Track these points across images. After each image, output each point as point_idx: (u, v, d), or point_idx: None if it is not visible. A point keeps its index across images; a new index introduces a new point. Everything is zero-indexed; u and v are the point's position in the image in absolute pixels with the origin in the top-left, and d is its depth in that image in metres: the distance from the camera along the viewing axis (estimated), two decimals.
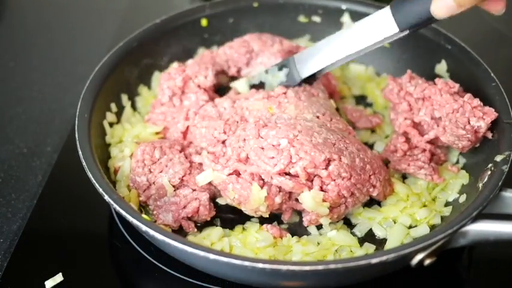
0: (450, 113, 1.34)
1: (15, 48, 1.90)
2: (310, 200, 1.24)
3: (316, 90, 1.46)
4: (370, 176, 1.30)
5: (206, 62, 1.51)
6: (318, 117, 1.36)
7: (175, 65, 1.50)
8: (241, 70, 1.55)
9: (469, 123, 1.32)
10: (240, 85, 1.50)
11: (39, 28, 1.98)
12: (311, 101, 1.40)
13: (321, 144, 1.26)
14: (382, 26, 1.30)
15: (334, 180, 1.25)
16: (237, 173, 1.28)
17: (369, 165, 1.31)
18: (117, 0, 2.11)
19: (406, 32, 1.29)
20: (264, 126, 1.30)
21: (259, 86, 1.48)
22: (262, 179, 1.27)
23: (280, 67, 1.45)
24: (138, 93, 1.57)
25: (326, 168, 1.25)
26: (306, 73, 1.43)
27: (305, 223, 1.30)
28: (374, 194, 1.32)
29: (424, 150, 1.39)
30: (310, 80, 1.45)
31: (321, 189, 1.25)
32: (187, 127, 1.42)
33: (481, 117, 1.31)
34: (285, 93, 1.42)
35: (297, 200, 1.29)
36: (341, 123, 1.38)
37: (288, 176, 1.25)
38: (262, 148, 1.26)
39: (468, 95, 1.35)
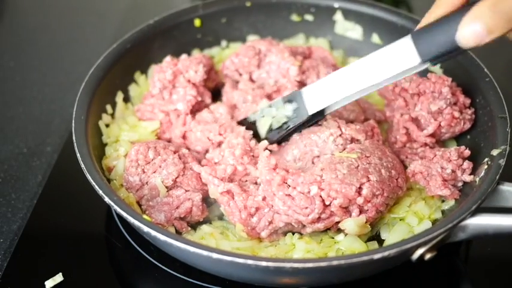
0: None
1: (15, 48, 1.82)
2: (354, 227, 1.16)
3: None
4: (397, 179, 1.22)
5: (198, 58, 1.43)
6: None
7: (168, 58, 1.43)
8: (253, 74, 1.46)
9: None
10: (261, 127, 1.32)
11: (39, 28, 1.90)
12: None
13: (347, 175, 1.16)
14: (402, 57, 1.11)
15: (370, 201, 1.16)
16: (231, 193, 1.20)
17: (394, 170, 1.23)
18: (117, 0, 2.03)
19: (427, 64, 1.11)
20: (289, 173, 1.16)
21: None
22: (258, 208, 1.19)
23: (287, 100, 1.28)
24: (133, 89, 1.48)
25: (360, 194, 1.16)
26: (314, 108, 1.24)
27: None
28: (401, 194, 1.24)
29: (424, 145, 1.31)
30: (317, 116, 1.27)
31: (360, 213, 1.17)
32: (185, 132, 1.34)
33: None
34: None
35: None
36: (358, 124, 1.30)
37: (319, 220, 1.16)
38: (292, 197, 1.15)
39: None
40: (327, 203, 1.14)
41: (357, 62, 1.18)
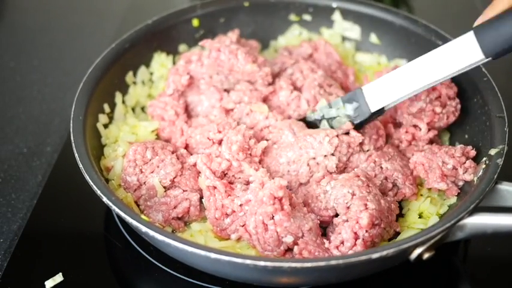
0: None
1: (15, 48, 1.80)
2: None
3: (334, 89, 1.37)
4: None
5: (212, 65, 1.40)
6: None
7: (182, 62, 1.41)
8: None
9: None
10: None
11: (39, 28, 1.88)
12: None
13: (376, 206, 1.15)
14: (465, 53, 1.10)
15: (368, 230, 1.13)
16: (215, 190, 1.19)
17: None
18: (117, 0, 2.01)
19: (489, 59, 1.10)
20: (282, 211, 1.10)
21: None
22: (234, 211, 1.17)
23: (346, 101, 1.26)
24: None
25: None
26: (377, 106, 1.22)
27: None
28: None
29: (430, 141, 1.30)
30: (378, 113, 1.25)
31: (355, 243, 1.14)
32: (185, 141, 1.33)
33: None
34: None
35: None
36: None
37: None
38: (266, 229, 1.11)
39: None
40: (294, 252, 1.11)
41: (420, 59, 1.17)
